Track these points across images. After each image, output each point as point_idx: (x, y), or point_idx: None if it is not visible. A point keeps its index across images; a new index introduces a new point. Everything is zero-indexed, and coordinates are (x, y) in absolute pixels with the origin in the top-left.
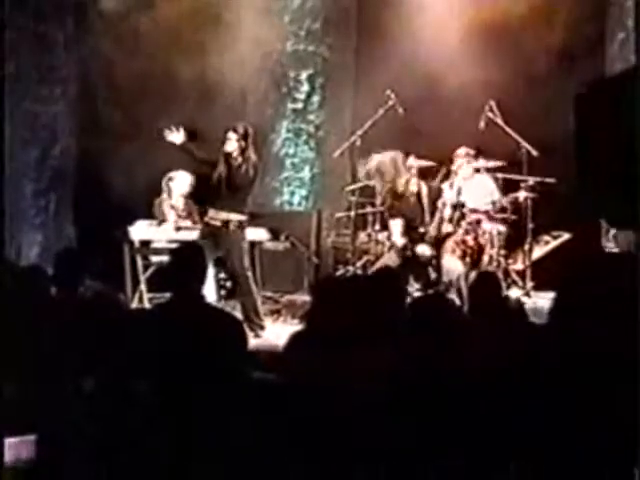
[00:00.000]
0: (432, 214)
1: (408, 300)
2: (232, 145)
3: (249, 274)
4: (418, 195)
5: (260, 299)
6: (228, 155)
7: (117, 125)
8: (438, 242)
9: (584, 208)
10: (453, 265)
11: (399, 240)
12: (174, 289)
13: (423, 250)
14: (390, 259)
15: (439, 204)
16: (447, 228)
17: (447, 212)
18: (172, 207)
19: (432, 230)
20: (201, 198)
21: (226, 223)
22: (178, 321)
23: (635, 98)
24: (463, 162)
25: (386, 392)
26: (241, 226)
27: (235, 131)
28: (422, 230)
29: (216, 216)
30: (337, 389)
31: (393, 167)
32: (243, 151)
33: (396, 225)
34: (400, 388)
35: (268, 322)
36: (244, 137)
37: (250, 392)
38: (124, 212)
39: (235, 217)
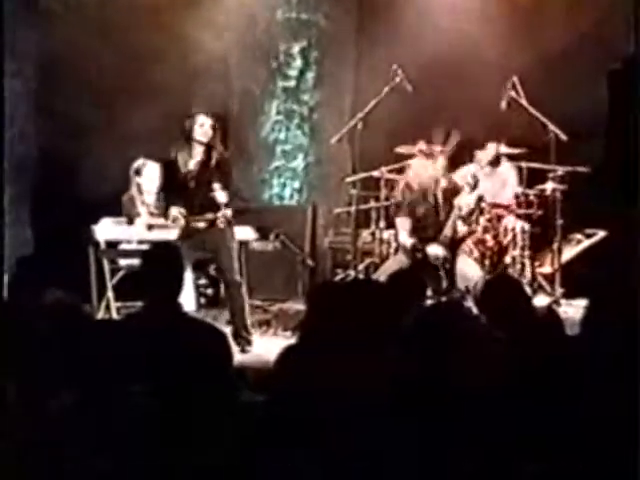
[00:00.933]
0: (448, 211)
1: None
2: (208, 132)
3: (240, 279)
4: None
5: (247, 309)
6: (204, 144)
7: (81, 112)
8: (453, 242)
9: (622, 201)
10: (470, 269)
11: (407, 240)
12: (147, 297)
13: (436, 251)
14: (397, 262)
15: (456, 199)
16: (463, 226)
17: (463, 207)
18: (143, 203)
19: (447, 229)
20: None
21: (212, 221)
22: (151, 334)
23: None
24: (485, 147)
25: (396, 418)
26: (230, 223)
27: (208, 115)
28: (435, 229)
29: (200, 217)
30: (336, 415)
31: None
32: (216, 139)
33: (403, 223)
34: (412, 412)
35: (256, 335)
36: (216, 122)
37: (236, 417)
38: (88, 209)
39: (223, 212)
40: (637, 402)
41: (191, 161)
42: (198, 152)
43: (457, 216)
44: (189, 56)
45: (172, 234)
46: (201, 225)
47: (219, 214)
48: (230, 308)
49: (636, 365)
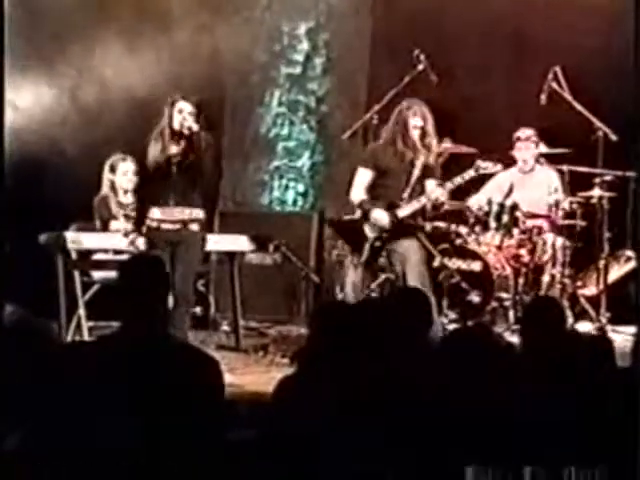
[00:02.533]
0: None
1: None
2: (188, 119)
3: (189, 302)
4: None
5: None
6: (181, 133)
7: (45, 96)
8: (402, 228)
9: None
10: (413, 256)
11: (358, 195)
12: (124, 316)
13: (380, 217)
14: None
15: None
16: (494, 238)
17: (493, 216)
18: (120, 205)
19: (403, 209)
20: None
21: (184, 224)
22: (129, 359)
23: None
24: (522, 148)
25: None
26: (202, 227)
27: (187, 100)
28: (459, 241)
29: (170, 216)
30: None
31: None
32: (200, 127)
33: (363, 175)
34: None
35: (250, 361)
36: (199, 109)
37: (227, 455)
38: (56, 213)
39: (193, 214)
40: None
41: (169, 151)
42: (177, 142)
43: (424, 202)
44: (173, 34)
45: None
46: (171, 227)
47: (199, 214)
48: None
49: None
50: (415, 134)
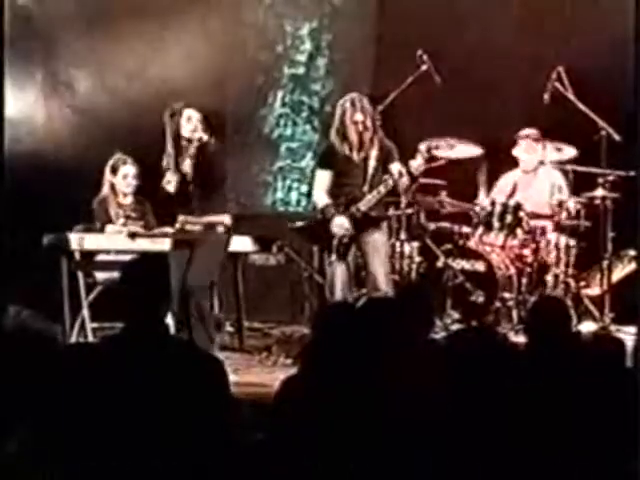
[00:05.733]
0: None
1: (443, 336)
2: (197, 127)
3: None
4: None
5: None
6: (191, 141)
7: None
8: (368, 220)
9: None
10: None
11: (321, 198)
12: (128, 317)
13: (340, 223)
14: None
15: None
16: (497, 238)
17: (496, 217)
18: (119, 206)
19: (365, 201)
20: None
21: (211, 226)
22: (133, 360)
23: None
24: (526, 147)
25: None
26: (229, 231)
27: (193, 107)
28: (463, 241)
29: (195, 220)
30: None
31: None
32: (208, 135)
33: (322, 177)
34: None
35: (254, 362)
36: (205, 117)
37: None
38: (60, 214)
39: (216, 218)
40: None
41: (184, 162)
42: (188, 151)
43: (386, 188)
44: (175, 35)
45: (159, 243)
46: (197, 229)
47: (222, 218)
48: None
49: None
50: (353, 129)
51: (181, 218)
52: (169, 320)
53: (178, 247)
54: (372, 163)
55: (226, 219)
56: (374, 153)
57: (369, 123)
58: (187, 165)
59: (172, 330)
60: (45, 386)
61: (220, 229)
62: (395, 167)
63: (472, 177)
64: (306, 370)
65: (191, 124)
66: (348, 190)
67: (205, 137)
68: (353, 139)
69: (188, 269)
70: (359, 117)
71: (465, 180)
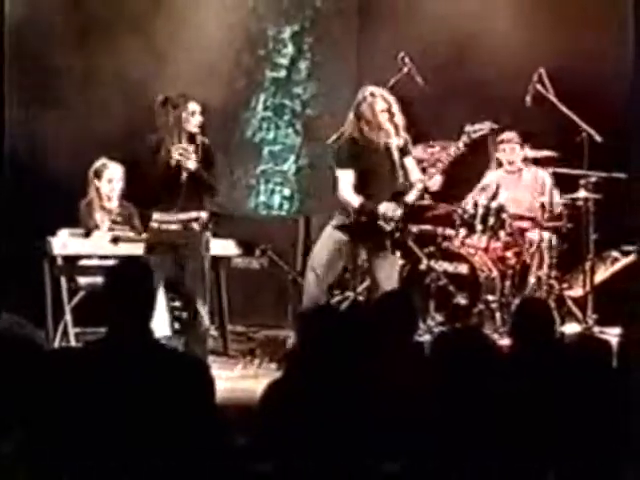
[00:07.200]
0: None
1: (428, 337)
2: (197, 120)
3: (203, 302)
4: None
5: (211, 338)
6: (191, 135)
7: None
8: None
9: None
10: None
11: (353, 197)
12: (111, 322)
13: (388, 209)
14: (332, 239)
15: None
16: (480, 240)
17: (479, 219)
18: (104, 210)
19: (411, 195)
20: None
21: (187, 223)
22: (117, 366)
23: None
24: (506, 150)
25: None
26: (206, 227)
27: (196, 102)
28: (446, 243)
29: (171, 218)
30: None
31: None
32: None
33: (346, 175)
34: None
35: (238, 367)
36: (204, 109)
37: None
38: (43, 218)
39: (196, 214)
40: None
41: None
42: (185, 142)
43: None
44: (151, 39)
45: (142, 248)
46: (173, 228)
47: (200, 214)
48: (187, 336)
49: None
50: (383, 117)
51: (156, 216)
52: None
53: (155, 250)
54: (396, 154)
55: (202, 214)
56: (397, 141)
57: (394, 109)
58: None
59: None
60: (28, 391)
61: (196, 226)
62: (409, 162)
63: (456, 178)
64: (290, 374)
65: (195, 118)
66: (378, 185)
67: (200, 132)
68: (387, 127)
69: (181, 274)
70: (384, 105)
71: (448, 182)
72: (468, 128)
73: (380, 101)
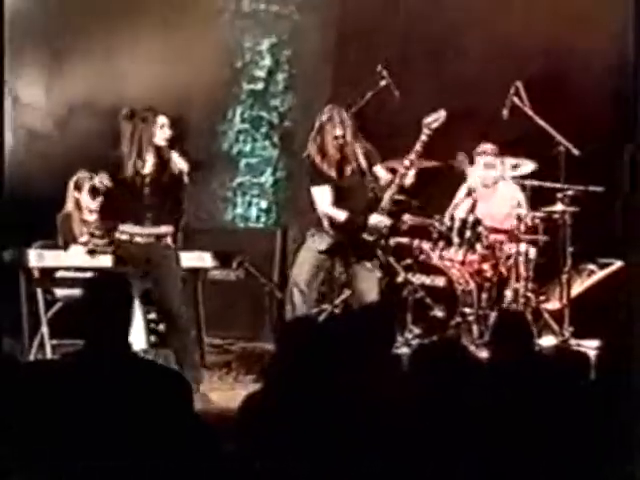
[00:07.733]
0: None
1: (406, 350)
2: (166, 133)
3: (184, 313)
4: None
5: (199, 348)
6: (159, 148)
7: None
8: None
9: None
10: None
11: (336, 212)
12: (88, 334)
13: (377, 220)
14: (312, 251)
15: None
16: (457, 253)
17: (455, 232)
18: (84, 223)
19: (385, 201)
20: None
21: (157, 238)
22: (94, 378)
23: None
24: (485, 163)
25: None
26: (175, 241)
27: (163, 115)
28: (423, 256)
29: (141, 231)
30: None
31: None
32: (172, 143)
33: (322, 192)
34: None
35: (214, 379)
36: (173, 123)
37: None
38: (19, 230)
39: (166, 229)
40: None
41: (145, 166)
42: (151, 156)
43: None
44: (129, 51)
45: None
46: (144, 241)
47: (169, 229)
48: (173, 346)
49: None
50: (335, 146)
51: (127, 228)
52: None
53: (127, 262)
54: (364, 164)
55: (170, 229)
56: (360, 161)
57: (349, 137)
58: (148, 173)
59: None
60: (4, 403)
61: (168, 241)
62: (379, 170)
63: (432, 192)
64: (269, 385)
65: (164, 132)
66: (352, 197)
67: (167, 144)
68: (333, 154)
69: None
70: (339, 132)
71: (426, 193)
72: (426, 120)
73: (336, 128)
